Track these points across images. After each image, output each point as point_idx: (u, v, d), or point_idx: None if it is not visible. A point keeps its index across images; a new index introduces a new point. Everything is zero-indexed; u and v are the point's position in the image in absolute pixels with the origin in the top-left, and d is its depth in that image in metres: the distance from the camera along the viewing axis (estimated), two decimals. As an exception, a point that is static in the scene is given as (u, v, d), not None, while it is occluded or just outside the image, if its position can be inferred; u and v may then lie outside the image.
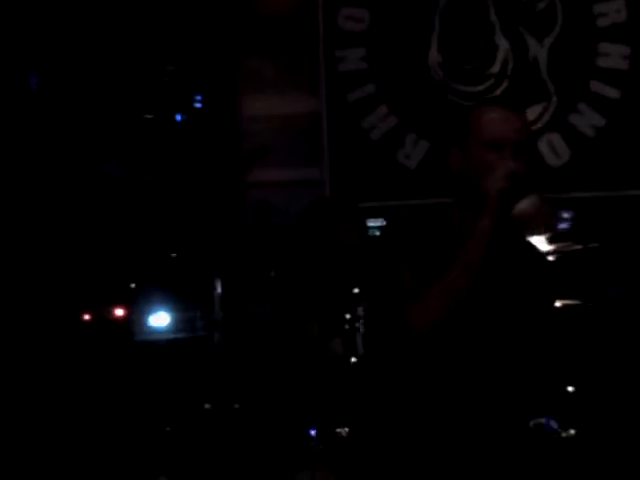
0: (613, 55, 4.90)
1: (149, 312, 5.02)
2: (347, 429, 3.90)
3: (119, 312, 4.96)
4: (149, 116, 5.24)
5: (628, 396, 4.25)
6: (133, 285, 5.08)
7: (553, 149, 4.97)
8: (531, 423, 3.76)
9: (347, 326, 4.03)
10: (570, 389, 4.29)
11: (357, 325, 4.01)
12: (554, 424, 4.05)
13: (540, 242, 4.20)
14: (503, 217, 2.34)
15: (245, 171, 5.18)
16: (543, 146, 4.96)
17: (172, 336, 5.02)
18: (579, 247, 4.58)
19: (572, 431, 4.07)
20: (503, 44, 4.97)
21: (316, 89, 5.09)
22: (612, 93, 4.90)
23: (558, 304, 4.10)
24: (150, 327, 5.04)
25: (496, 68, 4.98)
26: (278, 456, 3.87)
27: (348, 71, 5.06)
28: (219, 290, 4.76)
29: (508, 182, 2.33)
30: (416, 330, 2.37)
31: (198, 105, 5.28)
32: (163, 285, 5.07)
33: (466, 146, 2.43)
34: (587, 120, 4.93)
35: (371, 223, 4.67)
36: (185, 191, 5.15)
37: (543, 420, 4.01)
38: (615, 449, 4.02)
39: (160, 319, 5.03)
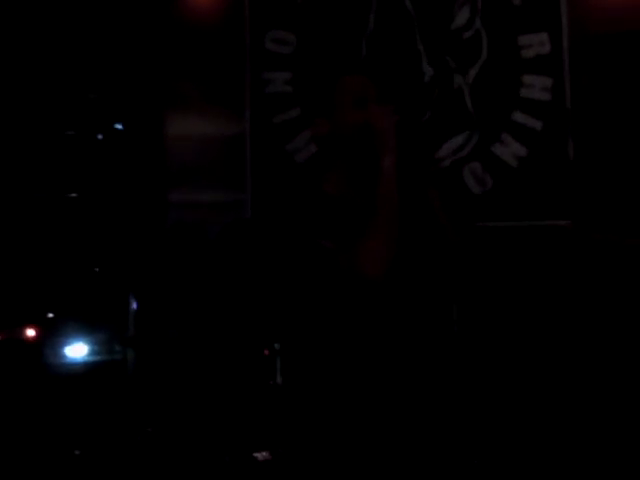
0: (536, 86, 4.97)
1: (64, 342, 4.88)
2: (264, 453, 3.83)
3: (30, 333, 4.81)
4: (71, 133, 5.13)
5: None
6: (50, 314, 4.94)
7: (476, 178, 5.00)
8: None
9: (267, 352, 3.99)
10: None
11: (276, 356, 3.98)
12: None
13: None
14: (401, 151, 2.55)
15: (168, 190, 5.10)
16: (466, 175, 5.00)
17: (87, 360, 4.88)
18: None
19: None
20: (428, 72, 5.01)
21: (242, 110, 5.05)
22: (535, 124, 4.97)
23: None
24: (65, 355, 4.90)
25: (421, 95, 5.01)
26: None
27: (274, 93, 5.04)
28: (134, 307, 4.66)
29: (396, 116, 2.55)
30: (372, 277, 2.51)
31: (119, 126, 5.19)
32: (79, 308, 4.93)
33: (334, 112, 2.65)
34: (510, 150, 4.98)
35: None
36: (107, 209, 5.05)
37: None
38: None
39: (76, 349, 4.89)
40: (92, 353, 4.91)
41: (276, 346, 4.00)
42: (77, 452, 4.14)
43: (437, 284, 2.72)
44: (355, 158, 2.63)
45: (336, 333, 2.59)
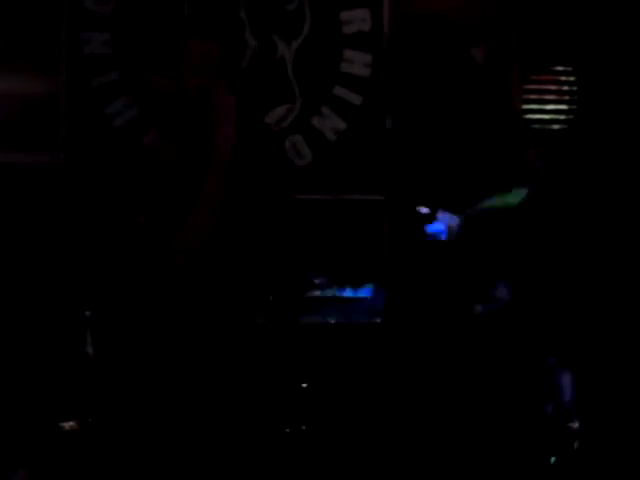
0: (356, 62, 5.04)
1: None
2: (72, 423, 3.73)
3: None
4: None
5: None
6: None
7: (296, 150, 5.03)
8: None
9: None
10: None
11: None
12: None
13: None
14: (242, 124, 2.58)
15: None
16: (288, 147, 5.02)
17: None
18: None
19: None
20: (252, 42, 4.99)
21: (58, 71, 4.87)
22: (354, 99, 5.04)
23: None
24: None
25: (244, 64, 4.98)
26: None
27: (92, 54, 4.88)
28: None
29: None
30: (177, 263, 2.55)
31: None
32: None
33: (180, 73, 2.69)
34: (329, 123, 5.04)
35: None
36: None
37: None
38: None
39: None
40: None
41: (87, 314, 3.89)
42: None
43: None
44: (191, 123, 2.60)
45: (142, 309, 2.56)
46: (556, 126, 5.30)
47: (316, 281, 4.61)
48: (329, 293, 4.60)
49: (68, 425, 3.73)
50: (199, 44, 2.71)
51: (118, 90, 4.89)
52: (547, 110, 5.30)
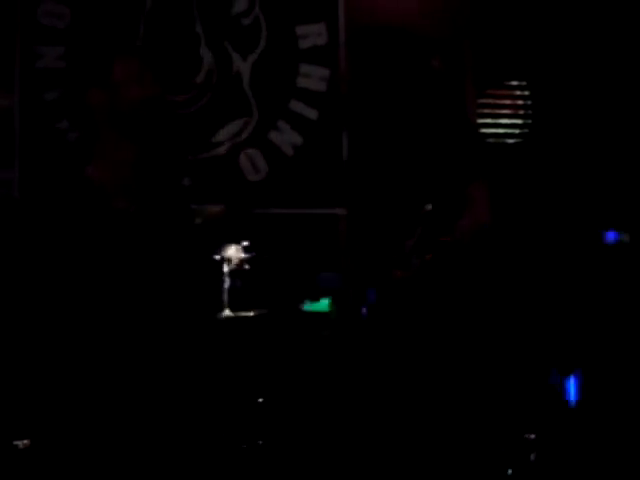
0: (313, 76, 5.05)
1: None
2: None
3: None
4: None
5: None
6: None
7: (252, 164, 5.03)
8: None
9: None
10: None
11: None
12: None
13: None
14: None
15: None
16: (243, 161, 5.01)
17: None
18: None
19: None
20: (207, 56, 4.98)
21: (12, 85, 4.82)
22: (310, 113, 5.05)
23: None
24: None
25: (200, 79, 4.97)
26: None
27: (46, 68, 4.84)
28: None
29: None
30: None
31: None
32: None
33: (112, 86, 2.66)
34: (286, 138, 5.04)
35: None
36: None
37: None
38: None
39: None
40: None
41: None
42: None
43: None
44: (128, 138, 2.57)
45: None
46: (510, 140, 5.35)
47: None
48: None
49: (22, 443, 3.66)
50: (128, 60, 2.69)
51: (68, 105, 4.85)
52: (502, 124, 5.35)
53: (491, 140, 5.29)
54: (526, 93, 5.39)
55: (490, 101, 5.35)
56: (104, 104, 2.61)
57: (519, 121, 5.37)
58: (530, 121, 5.36)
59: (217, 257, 4.10)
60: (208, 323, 2.95)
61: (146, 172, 2.58)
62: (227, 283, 4.15)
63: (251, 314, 4.19)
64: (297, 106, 5.04)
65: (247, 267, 4.23)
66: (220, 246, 4.20)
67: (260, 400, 3.82)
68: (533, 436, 3.83)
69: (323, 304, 4.52)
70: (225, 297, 4.14)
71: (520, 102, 5.39)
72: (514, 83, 5.39)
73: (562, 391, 3.92)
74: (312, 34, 5.04)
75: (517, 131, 5.37)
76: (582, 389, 3.93)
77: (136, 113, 2.56)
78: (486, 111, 5.33)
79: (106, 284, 2.47)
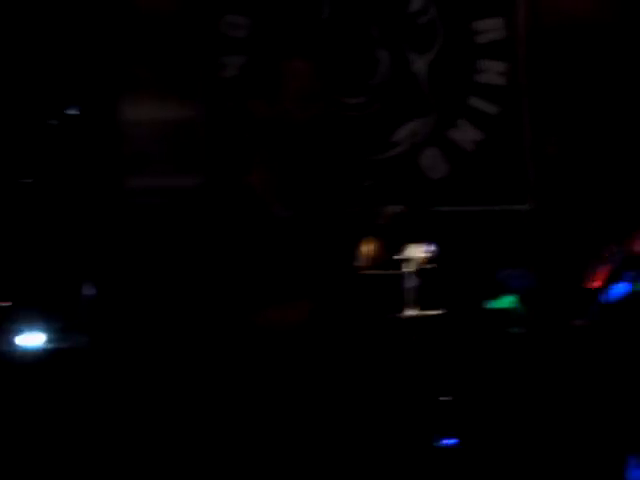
0: (491, 71, 4.98)
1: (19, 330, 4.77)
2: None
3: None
4: (25, 118, 5.06)
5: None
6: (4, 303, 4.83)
7: (432, 163, 5.01)
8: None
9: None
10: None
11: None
12: None
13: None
14: None
15: (124, 176, 5.05)
16: (422, 159, 5.00)
17: (44, 348, 4.79)
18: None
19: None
20: (384, 57, 5.00)
21: (198, 95, 5.02)
22: (490, 108, 4.98)
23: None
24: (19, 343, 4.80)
25: (376, 81, 5.00)
26: None
27: (230, 77, 5.01)
28: (88, 294, 4.61)
29: None
30: None
31: (73, 111, 5.11)
32: (34, 296, 4.84)
33: (279, 99, 2.52)
34: (466, 135, 5.00)
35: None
36: (62, 195, 4.98)
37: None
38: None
39: (31, 338, 4.79)
40: (49, 341, 4.83)
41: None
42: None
43: None
44: (290, 151, 2.55)
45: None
46: None
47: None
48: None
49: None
50: (298, 67, 2.56)
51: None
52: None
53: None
54: None
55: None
56: (268, 118, 2.56)
57: None
58: None
59: (397, 257, 4.12)
60: (375, 324, 2.92)
61: (306, 178, 2.58)
62: (410, 282, 4.17)
63: (435, 313, 4.19)
64: (476, 102, 4.99)
65: (430, 266, 4.23)
66: (401, 246, 4.22)
67: (444, 398, 3.81)
68: None
69: (507, 301, 4.45)
70: (409, 296, 4.16)
71: None
72: None
73: None
74: (490, 29, 4.97)
75: None
76: None
77: (301, 131, 2.51)
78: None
79: (267, 291, 2.48)
